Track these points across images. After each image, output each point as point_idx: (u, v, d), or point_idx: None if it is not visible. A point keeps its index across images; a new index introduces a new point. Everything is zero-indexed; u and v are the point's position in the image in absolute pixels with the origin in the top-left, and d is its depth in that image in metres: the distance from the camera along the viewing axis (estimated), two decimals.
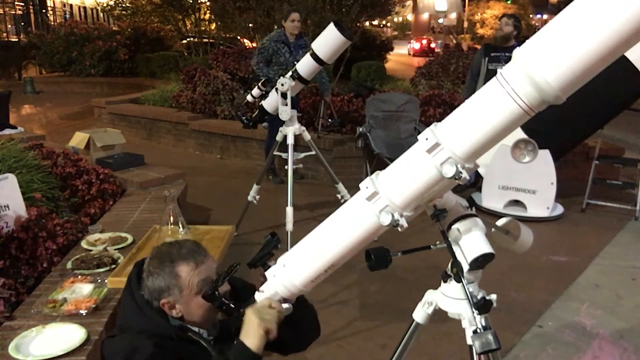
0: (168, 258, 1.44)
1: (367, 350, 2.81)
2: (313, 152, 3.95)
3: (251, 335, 1.30)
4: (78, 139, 4.50)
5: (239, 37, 12.26)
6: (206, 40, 12.44)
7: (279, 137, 3.84)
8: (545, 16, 39.03)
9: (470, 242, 1.26)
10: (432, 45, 30.13)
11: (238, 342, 1.30)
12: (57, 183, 3.45)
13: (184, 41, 13.82)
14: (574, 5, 0.98)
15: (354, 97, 6.52)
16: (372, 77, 9.00)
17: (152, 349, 1.33)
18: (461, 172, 1.11)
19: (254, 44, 10.41)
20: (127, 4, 15.12)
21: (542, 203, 4.63)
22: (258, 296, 1.38)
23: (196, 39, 12.47)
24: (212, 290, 1.37)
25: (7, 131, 5.60)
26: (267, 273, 1.38)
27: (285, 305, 1.36)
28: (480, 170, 4.62)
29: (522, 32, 5.10)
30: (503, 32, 4.95)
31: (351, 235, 1.27)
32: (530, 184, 4.64)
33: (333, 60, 3.66)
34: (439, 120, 1.18)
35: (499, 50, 4.90)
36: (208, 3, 12.29)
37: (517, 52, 1.05)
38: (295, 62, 3.64)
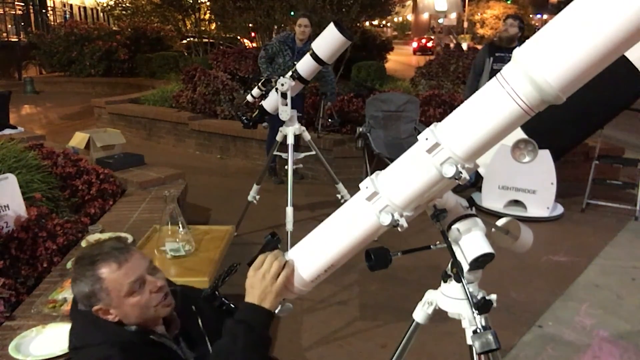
0: (88, 260, 1.34)
1: (367, 350, 2.81)
2: (313, 152, 3.95)
3: (256, 291, 1.25)
4: (78, 139, 4.50)
5: (239, 37, 12.26)
6: (206, 40, 12.44)
7: (279, 137, 3.84)
8: (545, 16, 39.02)
9: (470, 242, 1.26)
10: (429, 44, 32.62)
11: (244, 305, 1.25)
12: (57, 183, 3.45)
13: (184, 41, 13.83)
14: (573, 5, 0.98)
15: (354, 97, 6.53)
16: (372, 77, 9.00)
17: (122, 354, 1.27)
18: (461, 172, 1.11)
19: (254, 44, 10.42)
20: (127, 4, 15.12)
21: (542, 203, 4.63)
22: None
23: (196, 39, 12.47)
24: (212, 290, 1.37)
25: (7, 131, 5.61)
26: None
27: (285, 305, 1.35)
28: (480, 170, 4.62)
29: (523, 32, 5.10)
30: (509, 34, 4.94)
31: (351, 235, 1.27)
32: (530, 184, 4.64)
33: (333, 60, 3.67)
34: (439, 120, 1.17)
35: (503, 51, 4.89)
36: (208, 3, 12.30)
37: (517, 52, 1.05)
38: (294, 64, 3.65)
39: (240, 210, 4.06)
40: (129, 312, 1.34)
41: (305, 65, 3.56)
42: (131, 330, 1.36)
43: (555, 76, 0.99)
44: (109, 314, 1.34)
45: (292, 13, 8.55)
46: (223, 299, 1.38)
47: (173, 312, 1.45)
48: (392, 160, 1.26)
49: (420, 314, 1.46)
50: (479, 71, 5.03)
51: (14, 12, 18.66)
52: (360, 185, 1.26)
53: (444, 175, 1.12)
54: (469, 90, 5.17)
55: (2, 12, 17.93)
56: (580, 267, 3.76)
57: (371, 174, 1.27)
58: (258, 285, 1.26)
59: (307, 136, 3.89)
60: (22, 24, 18.46)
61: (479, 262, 1.25)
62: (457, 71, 7.90)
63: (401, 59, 15.66)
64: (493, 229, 1.42)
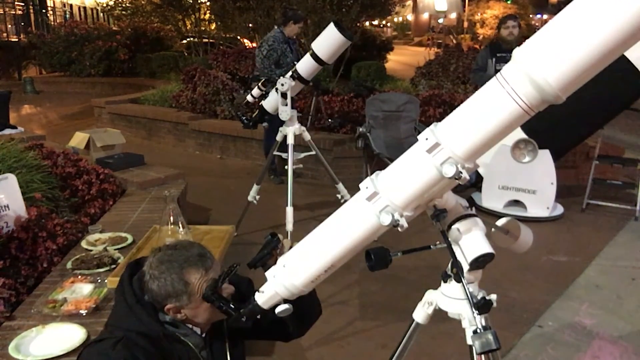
0: (177, 264, 1.39)
1: (367, 350, 2.81)
2: (313, 152, 3.95)
3: None
4: (78, 139, 4.50)
5: (239, 37, 12.26)
6: (206, 40, 12.43)
7: (279, 137, 3.84)
8: (545, 16, 38.97)
9: (470, 242, 1.26)
10: None
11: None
12: (57, 183, 3.45)
13: (184, 41, 13.81)
14: (573, 5, 0.98)
15: (354, 97, 6.52)
16: (372, 77, 9.00)
17: (146, 343, 1.35)
18: (461, 172, 1.11)
19: (254, 44, 10.40)
20: (127, 4, 15.11)
21: (542, 203, 4.63)
22: (258, 297, 1.37)
23: (196, 39, 12.46)
24: (212, 291, 1.37)
25: (7, 131, 5.60)
26: (267, 273, 1.38)
27: (285, 306, 1.35)
28: (480, 170, 4.61)
29: (522, 32, 5.10)
30: (515, 35, 4.95)
31: (351, 235, 1.27)
32: (530, 184, 4.63)
33: (333, 60, 3.67)
34: (439, 120, 1.17)
35: (504, 51, 4.89)
36: (208, 3, 12.29)
37: (516, 52, 1.05)
38: (294, 63, 3.65)
39: (240, 210, 4.06)
40: (200, 314, 1.42)
41: (305, 66, 3.56)
42: (164, 320, 1.42)
43: (555, 76, 0.99)
44: (179, 313, 1.41)
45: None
46: (222, 300, 1.38)
47: None
48: (392, 160, 1.26)
49: (420, 314, 1.46)
50: (483, 70, 5.03)
51: (14, 12, 18.64)
52: (360, 185, 1.26)
53: (444, 175, 1.12)
54: (477, 77, 5.11)
55: (2, 12, 17.91)
56: (580, 267, 3.76)
57: (371, 174, 1.27)
58: None
59: (307, 136, 3.89)
60: (22, 24, 18.42)
61: (479, 262, 1.25)
62: (457, 71, 7.90)
63: (401, 59, 15.63)
64: (493, 229, 1.42)
